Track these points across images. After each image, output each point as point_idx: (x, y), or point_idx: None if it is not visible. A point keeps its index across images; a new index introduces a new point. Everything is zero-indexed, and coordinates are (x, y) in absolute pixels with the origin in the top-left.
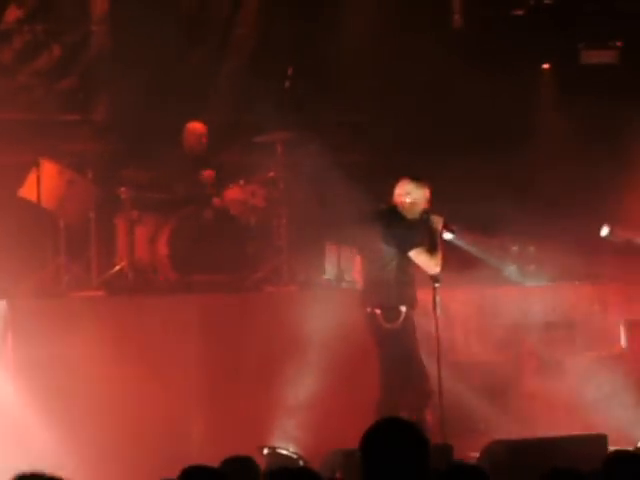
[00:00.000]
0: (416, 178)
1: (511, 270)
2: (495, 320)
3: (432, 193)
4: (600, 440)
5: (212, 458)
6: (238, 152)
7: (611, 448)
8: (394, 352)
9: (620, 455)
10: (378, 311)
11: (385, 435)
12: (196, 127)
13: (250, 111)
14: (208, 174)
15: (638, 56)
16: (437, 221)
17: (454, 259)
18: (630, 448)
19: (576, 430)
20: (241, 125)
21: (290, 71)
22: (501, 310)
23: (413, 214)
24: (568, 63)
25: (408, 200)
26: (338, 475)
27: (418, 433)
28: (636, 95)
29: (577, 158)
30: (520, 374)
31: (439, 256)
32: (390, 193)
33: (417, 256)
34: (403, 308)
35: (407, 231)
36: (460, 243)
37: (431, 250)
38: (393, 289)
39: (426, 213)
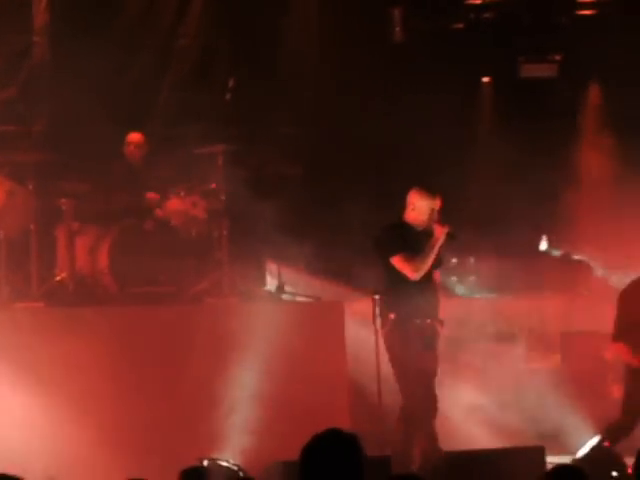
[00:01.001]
0: (422, 189)
1: (451, 282)
2: None
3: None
4: (538, 451)
5: (152, 469)
6: (179, 163)
7: (548, 459)
8: (390, 358)
9: (560, 470)
10: (378, 317)
11: (323, 448)
12: (135, 138)
13: (191, 122)
14: (151, 196)
15: (577, 69)
16: (438, 229)
17: None
18: (567, 458)
19: (514, 441)
20: (182, 136)
21: (231, 83)
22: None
23: (418, 224)
24: (508, 77)
25: (412, 210)
26: None
27: (355, 446)
28: (574, 108)
29: (516, 171)
30: (459, 386)
31: (422, 262)
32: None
33: (397, 262)
34: (392, 316)
35: (393, 238)
36: None
37: (414, 256)
38: (389, 297)
39: (434, 223)
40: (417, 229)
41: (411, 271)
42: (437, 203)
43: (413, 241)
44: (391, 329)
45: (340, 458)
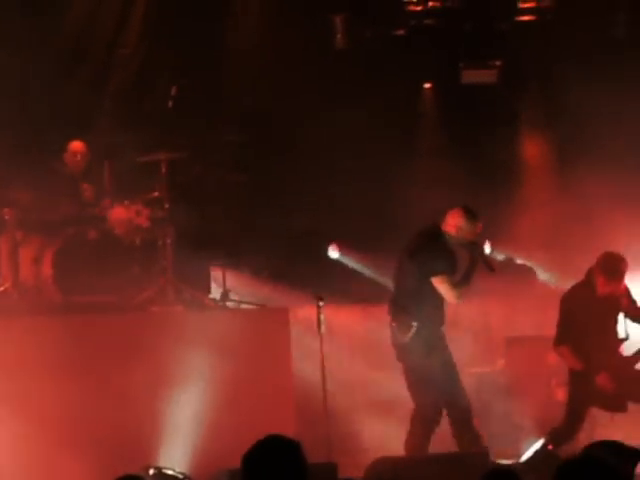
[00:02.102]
0: (469, 213)
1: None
2: (380, 337)
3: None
4: (482, 456)
5: (97, 478)
6: (122, 172)
7: (498, 462)
8: (408, 366)
9: (494, 473)
10: (394, 324)
11: (264, 455)
12: (78, 147)
13: (134, 131)
14: (87, 194)
15: (517, 75)
16: (481, 254)
17: (340, 277)
18: (511, 462)
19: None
20: (125, 145)
21: (174, 91)
22: (386, 326)
23: (457, 242)
24: (449, 83)
25: (455, 232)
26: None
27: (296, 452)
28: (515, 113)
29: (457, 176)
30: (405, 391)
31: (465, 289)
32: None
33: (438, 283)
34: (414, 324)
35: (438, 254)
36: (346, 260)
37: (460, 281)
38: (412, 304)
39: (473, 244)
40: (452, 244)
41: (454, 296)
42: (480, 227)
43: (451, 258)
44: (414, 337)
45: (281, 465)
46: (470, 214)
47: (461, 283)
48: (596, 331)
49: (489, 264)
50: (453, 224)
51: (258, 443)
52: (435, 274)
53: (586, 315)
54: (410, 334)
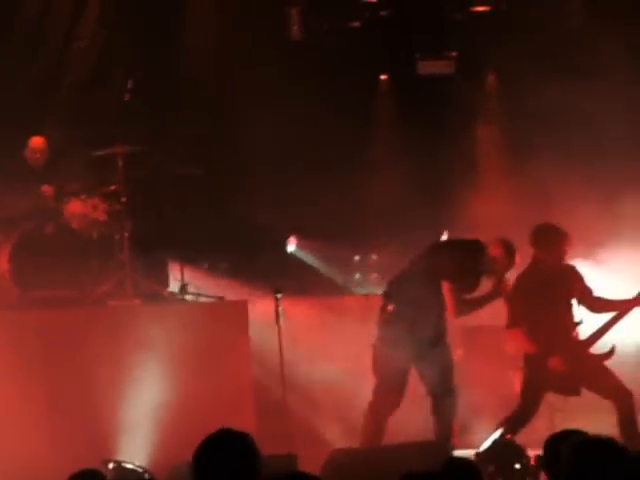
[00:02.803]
0: (510, 249)
1: (354, 279)
2: (339, 329)
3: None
4: (441, 446)
5: (58, 473)
6: (79, 166)
7: (457, 453)
8: (376, 345)
9: (453, 461)
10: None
11: (214, 449)
12: (37, 143)
13: (91, 125)
14: (46, 189)
15: (473, 65)
16: (499, 290)
17: (298, 270)
18: (471, 452)
19: (419, 436)
20: (82, 138)
21: (130, 84)
22: (344, 319)
23: (488, 269)
24: (405, 74)
25: (491, 260)
26: None
27: (248, 446)
28: (471, 104)
29: (417, 167)
30: (363, 384)
31: (468, 311)
32: None
33: (447, 291)
34: (392, 308)
35: (462, 267)
36: (303, 255)
37: (470, 302)
38: (406, 290)
39: (501, 278)
40: (480, 268)
41: (456, 311)
42: (513, 264)
43: (475, 278)
44: (390, 320)
45: (232, 458)
46: (510, 250)
47: (469, 305)
48: (549, 314)
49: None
50: (492, 252)
51: (209, 437)
52: (447, 280)
53: (537, 298)
54: (386, 316)
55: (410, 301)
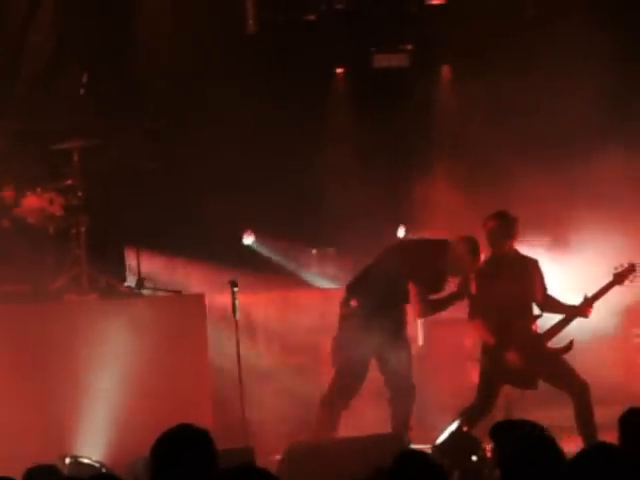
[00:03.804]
0: (474, 248)
1: (311, 273)
2: (296, 322)
3: None
4: (397, 439)
5: (13, 468)
6: (35, 160)
7: (414, 446)
8: (336, 338)
9: (407, 454)
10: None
11: (171, 444)
12: None
13: (46, 118)
14: (8, 194)
15: (428, 59)
16: (463, 289)
17: (255, 264)
18: (428, 446)
19: (379, 429)
20: (37, 133)
21: (85, 78)
22: (302, 313)
23: (453, 270)
24: (361, 67)
25: (455, 260)
26: None
27: (205, 441)
28: (427, 97)
29: (372, 161)
30: (322, 376)
31: (432, 312)
32: None
33: (414, 291)
34: (353, 304)
35: (428, 268)
36: (261, 249)
37: (434, 303)
38: (369, 287)
39: (465, 278)
40: (446, 267)
41: (421, 311)
42: (478, 264)
43: (440, 278)
44: (352, 315)
45: (189, 454)
46: (475, 249)
47: (434, 305)
48: (507, 307)
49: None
50: (455, 252)
51: (166, 433)
52: (414, 280)
53: (495, 290)
54: (348, 310)
55: (373, 297)
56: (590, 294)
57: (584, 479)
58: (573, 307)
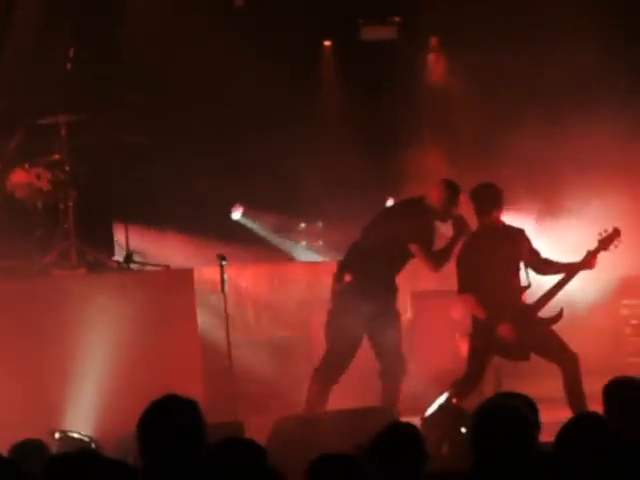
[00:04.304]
0: (451, 186)
1: (300, 246)
2: (285, 296)
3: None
4: (386, 411)
5: (2, 443)
6: (22, 135)
7: (403, 419)
8: (329, 312)
9: (393, 426)
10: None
11: (159, 415)
12: None
13: (33, 93)
14: None
15: (416, 31)
16: (465, 228)
17: (243, 237)
18: (418, 418)
19: (369, 401)
20: (24, 107)
21: (71, 52)
22: (291, 286)
23: (441, 215)
24: (349, 40)
25: (438, 205)
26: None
27: (193, 411)
28: (414, 69)
29: (360, 133)
30: (311, 349)
31: (444, 260)
32: None
33: (420, 251)
34: (348, 276)
35: (421, 226)
36: (248, 222)
37: (441, 252)
38: (362, 261)
39: (457, 218)
40: (435, 218)
41: (435, 266)
42: (463, 199)
43: (433, 230)
44: (346, 288)
45: (176, 424)
46: (452, 187)
47: (442, 255)
48: (497, 278)
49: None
50: (436, 197)
51: (153, 403)
52: (416, 241)
53: (485, 262)
54: (341, 285)
55: (365, 271)
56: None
57: (570, 449)
58: (574, 263)
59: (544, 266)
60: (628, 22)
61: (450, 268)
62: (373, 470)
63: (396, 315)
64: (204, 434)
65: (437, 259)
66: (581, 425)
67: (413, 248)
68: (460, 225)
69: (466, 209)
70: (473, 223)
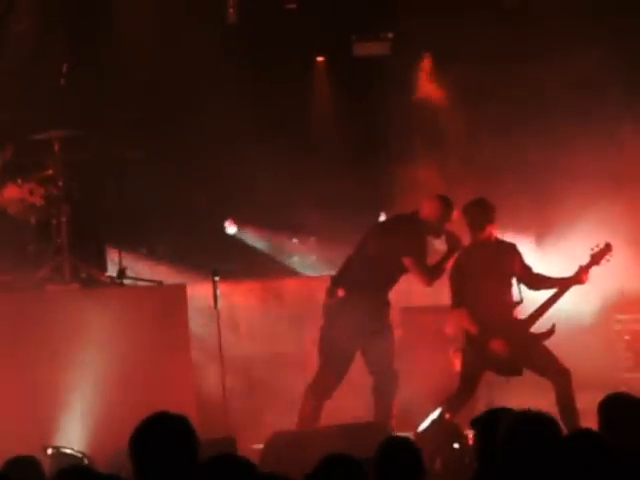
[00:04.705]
0: (445, 201)
1: (293, 261)
2: (278, 312)
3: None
4: (380, 427)
5: None
6: (11, 151)
7: (396, 433)
8: (322, 328)
9: (393, 441)
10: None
11: (151, 430)
12: None
13: (27, 109)
14: None
15: (408, 48)
16: (458, 244)
17: (237, 253)
18: (411, 433)
19: (358, 418)
20: (17, 123)
21: (65, 68)
22: (284, 302)
23: (434, 230)
24: (342, 55)
25: (432, 220)
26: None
27: (185, 427)
28: (407, 85)
29: (353, 149)
30: (304, 365)
31: (437, 275)
32: None
33: (412, 265)
34: (340, 293)
35: (413, 240)
36: (242, 238)
37: (434, 267)
38: (353, 275)
39: (449, 234)
40: (427, 233)
41: (428, 280)
42: (456, 216)
43: (425, 244)
44: (338, 304)
45: (168, 440)
46: (446, 203)
47: (435, 269)
48: (489, 294)
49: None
50: (429, 212)
51: (146, 420)
52: (409, 256)
53: (478, 277)
54: (334, 300)
55: (358, 286)
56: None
57: (566, 466)
58: (566, 278)
59: (536, 281)
60: (619, 34)
61: (441, 282)
62: None
63: (389, 330)
64: (197, 451)
65: (430, 274)
66: (577, 442)
67: (406, 262)
68: (452, 241)
69: (459, 224)
70: (466, 238)
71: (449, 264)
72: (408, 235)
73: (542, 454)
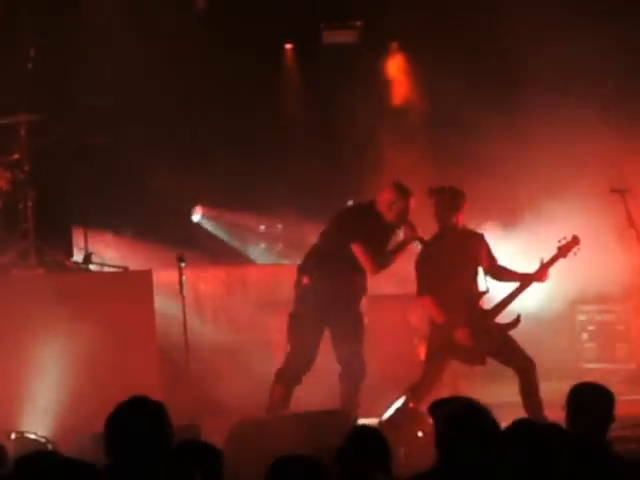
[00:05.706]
0: (400, 189)
1: (259, 249)
2: (244, 299)
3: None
4: (344, 414)
5: None
6: None
7: (361, 421)
8: (290, 316)
9: (360, 430)
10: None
11: (128, 416)
12: None
13: None
14: None
15: (377, 36)
16: (408, 233)
17: (203, 239)
18: (375, 421)
19: (326, 404)
20: None
21: (32, 52)
22: (250, 289)
23: (392, 220)
24: (310, 43)
25: (387, 209)
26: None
27: (161, 413)
28: (374, 73)
29: (320, 137)
30: (270, 352)
31: (386, 263)
32: None
33: (357, 251)
34: (306, 281)
35: (361, 226)
36: (209, 224)
37: (384, 255)
38: (317, 263)
39: (406, 222)
40: (385, 221)
41: (372, 267)
42: (413, 203)
43: (379, 232)
44: (304, 292)
45: (144, 425)
46: (401, 191)
47: (384, 257)
48: (454, 283)
49: (423, 241)
50: (385, 201)
51: (122, 404)
52: (355, 242)
53: (444, 266)
54: (301, 289)
55: (324, 274)
56: (545, 260)
57: (508, 455)
58: (528, 274)
59: (500, 273)
60: (602, 37)
61: (407, 271)
62: (334, 472)
63: (357, 318)
64: (171, 437)
65: (376, 261)
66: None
67: (354, 248)
68: (408, 230)
69: (426, 212)
70: (434, 227)
71: (400, 255)
72: (357, 222)
73: (475, 445)
